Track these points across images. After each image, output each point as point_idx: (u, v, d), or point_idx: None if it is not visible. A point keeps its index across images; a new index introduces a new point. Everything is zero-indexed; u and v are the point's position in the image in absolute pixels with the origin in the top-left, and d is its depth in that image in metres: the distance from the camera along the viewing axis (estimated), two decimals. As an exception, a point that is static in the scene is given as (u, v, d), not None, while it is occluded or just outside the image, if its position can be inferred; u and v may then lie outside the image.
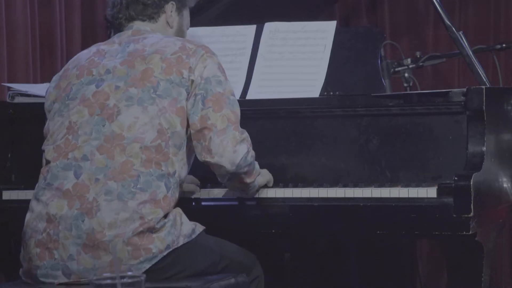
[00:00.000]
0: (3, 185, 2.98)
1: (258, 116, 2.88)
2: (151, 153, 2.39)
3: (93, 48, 2.60)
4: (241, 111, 2.87)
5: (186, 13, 2.74)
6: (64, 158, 2.42)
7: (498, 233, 2.79)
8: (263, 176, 2.69)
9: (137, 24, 2.61)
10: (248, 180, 2.57)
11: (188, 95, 2.45)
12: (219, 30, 3.08)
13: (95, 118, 2.43)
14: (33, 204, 2.45)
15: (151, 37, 2.54)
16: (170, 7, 2.66)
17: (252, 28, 3.04)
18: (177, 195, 2.46)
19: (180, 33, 2.70)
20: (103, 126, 2.41)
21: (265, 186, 2.72)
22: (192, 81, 2.46)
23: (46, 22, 3.68)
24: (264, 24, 3.04)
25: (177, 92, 2.44)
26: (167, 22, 2.66)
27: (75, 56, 2.63)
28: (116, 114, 2.42)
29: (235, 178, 2.54)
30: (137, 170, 2.38)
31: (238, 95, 2.96)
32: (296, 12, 3.49)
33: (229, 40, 3.05)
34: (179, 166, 2.45)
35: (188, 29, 2.77)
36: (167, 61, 2.46)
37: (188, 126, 2.46)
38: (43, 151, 2.51)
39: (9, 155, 3.06)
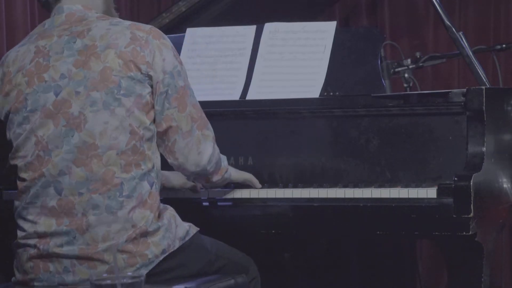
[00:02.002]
0: (3, 185, 2.97)
1: (258, 117, 2.88)
2: (129, 156, 2.34)
3: (31, 47, 2.41)
4: (242, 111, 2.88)
5: None
6: (41, 176, 2.34)
7: (498, 234, 2.79)
8: (240, 173, 2.68)
9: (66, 3, 2.44)
10: (214, 179, 2.55)
11: (151, 88, 2.38)
12: (219, 30, 3.07)
13: (62, 129, 2.33)
14: (20, 222, 2.40)
15: (96, 27, 2.39)
16: None
17: (252, 29, 3.04)
18: (159, 184, 2.42)
19: (108, 3, 2.52)
20: (72, 137, 2.32)
21: (249, 186, 2.72)
22: (151, 76, 2.37)
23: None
24: (264, 24, 3.04)
25: (140, 88, 2.36)
26: None
27: (10, 55, 2.44)
28: (84, 123, 2.32)
29: (200, 178, 2.53)
30: (119, 178, 2.32)
31: (238, 95, 2.96)
32: (296, 12, 3.49)
33: (229, 41, 3.05)
34: (155, 157, 2.41)
35: None
36: (122, 56, 2.35)
37: (154, 118, 2.40)
38: (10, 159, 2.42)
39: (9, 155, 3.05)
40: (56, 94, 2.35)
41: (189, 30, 3.11)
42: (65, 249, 2.32)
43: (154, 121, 2.40)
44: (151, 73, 2.37)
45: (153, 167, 2.39)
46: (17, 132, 2.38)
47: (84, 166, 2.32)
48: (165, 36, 2.44)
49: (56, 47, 2.39)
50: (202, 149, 2.43)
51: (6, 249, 2.81)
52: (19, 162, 2.39)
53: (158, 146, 2.43)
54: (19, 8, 3.54)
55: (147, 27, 2.43)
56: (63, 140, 2.33)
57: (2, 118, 2.44)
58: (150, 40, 2.39)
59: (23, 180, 2.39)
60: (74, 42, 2.38)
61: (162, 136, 2.42)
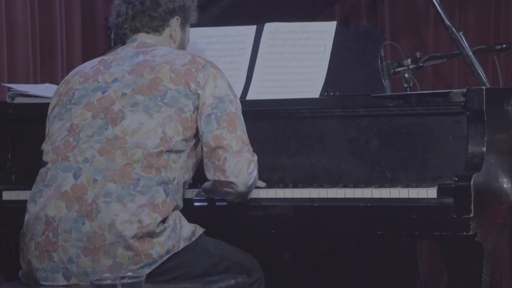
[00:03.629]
0: (3, 186, 2.98)
1: (258, 117, 2.88)
2: (153, 159, 2.39)
3: (98, 59, 2.60)
4: (242, 111, 2.88)
5: (188, 29, 2.77)
6: (64, 160, 2.41)
7: (498, 234, 2.79)
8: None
9: (142, 36, 2.62)
10: (249, 197, 2.61)
11: (194, 108, 2.46)
12: (219, 30, 3.08)
13: (98, 121, 2.43)
14: (30, 206, 2.44)
15: (160, 49, 2.56)
16: (175, 22, 2.69)
17: (252, 29, 3.04)
18: (178, 201, 2.46)
19: (182, 47, 2.72)
20: (106, 129, 2.41)
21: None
22: (198, 95, 2.46)
23: (46, 22, 3.68)
24: (264, 24, 3.04)
25: (183, 103, 2.44)
26: (171, 36, 2.68)
27: (80, 67, 2.63)
28: (120, 119, 2.42)
29: (241, 197, 2.57)
30: (137, 174, 2.38)
31: (238, 95, 2.95)
32: (296, 12, 3.49)
33: (229, 41, 3.05)
34: (179, 174, 2.44)
35: (188, 43, 2.79)
36: (176, 72, 2.47)
37: (193, 136, 2.46)
38: (43, 151, 2.51)
39: (9, 156, 3.06)
40: (103, 93, 2.47)
41: (189, 30, 3.11)
42: (74, 236, 2.35)
43: (189, 140, 2.45)
44: (199, 91, 2.46)
45: (173, 180, 2.42)
46: (56, 122, 2.49)
47: (107, 155, 2.39)
48: (223, 72, 2.55)
49: (119, 59, 2.54)
50: (251, 169, 2.48)
51: (6, 249, 2.82)
52: (47, 147, 2.47)
53: (207, 171, 2.47)
54: (19, 9, 3.55)
55: (208, 59, 2.57)
56: (96, 131, 2.42)
57: (48, 114, 2.56)
58: (208, 67, 2.51)
59: (45, 163, 2.46)
60: (137, 57, 2.53)
61: (212, 158, 2.45)
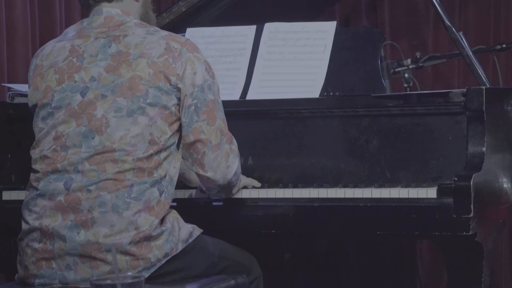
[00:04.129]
0: (3, 185, 2.98)
1: (258, 117, 2.88)
2: (143, 163, 2.36)
3: (67, 44, 2.46)
4: (242, 111, 2.88)
5: None
6: (54, 170, 2.38)
7: (498, 234, 2.79)
8: (243, 180, 2.70)
9: (106, 7, 2.47)
10: (234, 191, 2.62)
11: (177, 100, 2.41)
12: (219, 30, 3.07)
13: (83, 129, 2.37)
14: (25, 214, 2.41)
15: (132, 34, 2.43)
16: None
17: (252, 29, 3.04)
18: (171, 193, 2.44)
19: (147, 3, 2.58)
20: (93, 138, 2.36)
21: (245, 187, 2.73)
22: (179, 88, 2.40)
23: (46, 22, 3.68)
24: (264, 24, 3.04)
25: (166, 100, 2.39)
26: None
27: (48, 48, 2.48)
28: (105, 126, 2.36)
29: (224, 190, 2.57)
30: (130, 180, 2.35)
31: (238, 95, 2.96)
32: (296, 12, 3.49)
33: (229, 41, 3.05)
34: (169, 166, 2.42)
35: None
36: (154, 66, 2.39)
37: (180, 126, 2.43)
38: (30, 151, 2.46)
39: (9, 156, 3.06)
40: (83, 95, 2.39)
41: (189, 30, 3.11)
42: (69, 245, 2.33)
43: (177, 131, 2.42)
44: (180, 85, 2.40)
45: (165, 175, 2.40)
46: (40, 127, 2.43)
47: (97, 165, 2.35)
48: (199, 50, 2.48)
49: (91, 49, 2.43)
50: (230, 162, 2.47)
51: (6, 249, 2.82)
52: (35, 155, 2.43)
53: (185, 159, 2.46)
54: (19, 8, 3.54)
55: (183, 39, 2.47)
56: (82, 140, 2.37)
57: (30, 108, 2.49)
58: (184, 53, 2.42)
59: (36, 172, 2.42)
60: (109, 47, 2.42)
61: (190, 149, 2.44)
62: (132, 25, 2.46)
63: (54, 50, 2.47)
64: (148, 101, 2.37)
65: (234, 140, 2.52)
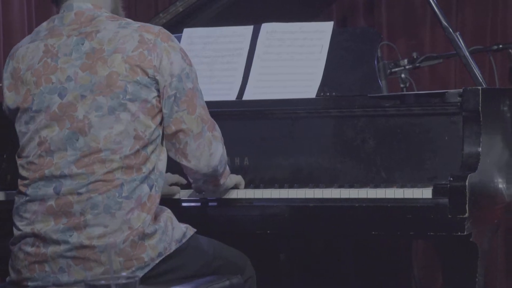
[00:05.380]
0: (1, 185, 2.98)
1: (254, 117, 2.89)
2: (131, 160, 2.35)
3: (40, 44, 2.41)
4: (238, 111, 2.89)
5: None
6: (42, 176, 2.35)
7: (493, 234, 2.79)
8: (232, 177, 2.69)
9: (76, 2, 2.43)
10: (222, 181, 2.59)
11: (158, 92, 2.39)
12: (216, 30, 3.08)
13: (66, 132, 2.34)
14: (16, 220, 2.40)
15: (104, 29, 2.39)
16: None
17: (249, 29, 3.04)
18: (161, 185, 2.42)
19: None
20: (77, 140, 2.34)
21: (235, 187, 2.72)
22: (158, 80, 2.38)
23: (43, 22, 3.67)
24: (261, 24, 3.04)
25: (146, 93, 2.36)
26: None
27: (22, 49, 2.44)
28: (88, 127, 2.34)
29: (210, 181, 2.55)
30: (120, 179, 2.33)
31: (234, 95, 2.96)
32: (293, 12, 3.49)
33: (227, 41, 3.05)
34: (157, 159, 2.40)
35: None
36: (129, 61, 2.35)
37: (161, 121, 2.41)
38: (17, 157, 2.44)
39: (5, 156, 3.07)
40: (62, 97, 2.37)
41: (186, 31, 3.11)
42: (62, 248, 2.33)
43: (160, 124, 2.41)
44: (158, 77, 2.38)
45: (153, 169, 2.39)
46: (23, 132, 2.41)
47: (85, 168, 2.33)
48: (174, 38, 2.45)
49: (64, 48, 2.40)
50: (213, 150, 2.46)
51: (5, 250, 2.82)
52: (22, 161, 2.41)
53: (168, 150, 2.45)
54: (16, 9, 3.55)
55: (156, 28, 2.43)
56: (67, 143, 2.34)
57: (10, 110, 2.45)
58: (158, 43, 2.39)
59: (24, 178, 2.40)
60: (83, 44, 2.39)
61: (172, 139, 2.43)
62: (103, 19, 2.42)
63: (29, 51, 2.43)
64: (127, 97, 2.35)
65: (217, 126, 2.50)
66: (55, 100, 2.37)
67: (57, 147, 2.35)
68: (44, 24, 2.49)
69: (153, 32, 2.41)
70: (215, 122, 2.50)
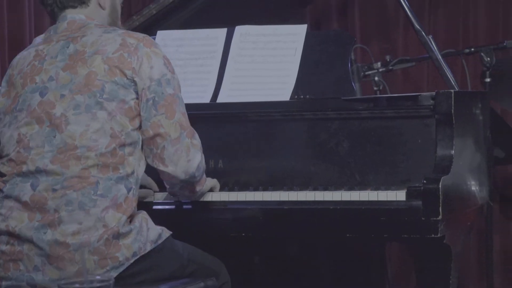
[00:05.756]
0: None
1: (228, 120, 2.88)
2: (107, 159, 2.35)
3: (32, 50, 2.48)
4: (212, 114, 2.88)
5: None
6: (19, 172, 2.37)
7: (466, 236, 2.81)
8: (208, 181, 2.69)
9: (70, 13, 2.50)
10: (198, 188, 2.59)
11: (136, 95, 2.40)
12: (190, 33, 3.07)
13: (46, 129, 2.37)
14: None
15: (91, 34, 2.44)
16: None
17: (223, 32, 3.04)
18: (137, 193, 2.44)
19: (114, 12, 2.58)
20: (54, 137, 2.36)
21: (210, 190, 2.72)
22: (136, 82, 2.39)
23: (15, 25, 3.66)
24: (235, 27, 3.04)
25: (124, 94, 2.38)
26: (99, 4, 2.54)
27: (17, 58, 2.52)
28: (65, 124, 2.36)
29: (186, 187, 2.55)
30: (95, 177, 2.34)
31: (208, 98, 2.96)
32: (267, 15, 3.50)
33: (200, 43, 3.05)
34: (136, 164, 2.41)
35: (122, 6, 2.64)
36: (109, 62, 2.38)
37: (139, 125, 2.42)
38: None
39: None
40: (42, 96, 2.40)
41: (159, 33, 3.11)
42: (37, 246, 2.32)
43: (139, 128, 2.41)
44: (136, 79, 2.39)
45: (132, 172, 2.40)
46: (4, 132, 2.43)
47: (60, 164, 2.34)
48: (158, 45, 2.47)
49: (52, 51, 2.44)
50: (191, 157, 2.45)
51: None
52: (3, 160, 2.43)
53: (146, 156, 2.45)
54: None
55: (141, 35, 2.46)
56: (45, 140, 2.36)
57: (2, 115, 2.48)
58: (140, 48, 2.42)
59: (3, 175, 2.41)
60: (68, 47, 2.43)
61: (150, 145, 2.43)
62: (92, 26, 2.48)
63: (21, 58, 2.50)
64: (104, 96, 2.37)
65: (196, 135, 2.50)
66: (36, 98, 2.40)
67: (36, 144, 2.37)
68: (41, 35, 2.55)
69: (137, 37, 2.44)
70: (195, 131, 2.50)
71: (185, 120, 2.46)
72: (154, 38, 3.08)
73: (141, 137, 2.42)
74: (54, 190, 2.33)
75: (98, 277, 1.71)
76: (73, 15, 2.50)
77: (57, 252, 2.32)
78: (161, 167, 2.44)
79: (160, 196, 2.75)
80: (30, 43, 3.61)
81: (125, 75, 2.38)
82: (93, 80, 2.37)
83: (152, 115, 2.40)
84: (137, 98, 2.40)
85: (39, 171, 2.35)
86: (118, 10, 2.61)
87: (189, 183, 2.52)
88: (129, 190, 2.38)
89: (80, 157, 2.34)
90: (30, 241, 2.33)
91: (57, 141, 2.35)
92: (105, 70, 2.38)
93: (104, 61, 2.38)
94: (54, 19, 2.55)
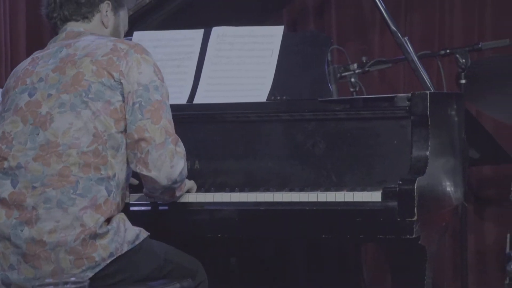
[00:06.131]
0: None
1: (205, 121, 2.88)
2: (89, 158, 2.35)
3: (29, 58, 2.54)
4: (189, 115, 2.88)
5: (123, 13, 2.66)
6: (0, 168, 2.38)
7: (441, 237, 2.83)
8: (186, 183, 2.68)
9: (71, 26, 2.54)
10: (178, 193, 2.60)
11: (122, 97, 2.41)
12: (167, 34, 3.07)
13: (29, 127, 2.38)
14: None
15: (84, 40, 2.48)
16: (106, 7, 2.58)
17: (199, 33, 3.04)
18: (119, 198, 2.43)
19: (116, 33, 2.62)
20: (37, 134, 2.37)
21: (187, 191, 2.71)
22: (123, 85, 2.40)
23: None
24: (211, 28, 3.04)
25: (109, 95, 2.39)
26: (102, 22, 2.58)
27: (16, 68, 2.56)
28: (49, 122, 2.37)
29: (167, 192, 2.54)
30: (76, 176, 2.34)
31: (185, 99, 2.96)
32: (244, 16, 3.50)
33: (177, 44, 3.04)
34: (119, 168, 2.41)
35: (125, 30, 2.70)
36: (97, 63, 2.40)
37: (124, 129, 2.42)
38: None
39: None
40: (31, 96, 2.42)
41: (136, 34, 3.10)
42: (13, 244, 2.32)
43: (124, 131, 2.41)
44: (123, 81, 2.41)
45: (114, 176, 2.40)
46: None
47: (42, 161, 2.35)
48: (149, 53, 2.49)
49: (45, 56, 2.48)
50: (175, 163, 2.44)
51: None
52: None
53: (130, 162, 2.44)
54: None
55: (133, 42, 2.50)
56: (28, 138, 2.38)
57: None
58: (131, 53, 2.44)
59: None
60: (61, 52, 2.47)
61: (134, 149, 2.42)
62: (88, 34, 2.52)
63: (19, 67, 2.54)
64: (90, 96, 2.38)
65: (181, 143, 2.51)
66: (24, 98, 2.42)
67: (19, 141, 2.38)
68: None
69: (128, 44, 2.48)
70: (179, 139, 2.50)
71: (171, 127, 2.46)
72: (131, 39, 3.07)
73: (125, 141, 2.42)
74: (34, 188, 2.34)
75: (73, 279, 1.70)
76: (72, 27, 2.54)
77: (33, 251, 2.31)
78: (144, 172, 2.43)
79: (134, 197, 2.75)
80: (6, 50, 3.65)
81: (113, 76, 2.40)
82: (80, 80, 2.39)
83: (138, 119, 2.40)
84: (123, 101, 2.41)
85: (19, 167, 2.35)
86: (120, 33, 2.65)
87: (171, 189, 2.52)
88: (109, 193, 2.38)
89: (61, 155, 2.35)
90: (7, 238, 2.33)
91: (40, 139, 2.36)
92: (92, 71, 2.40)
93: (92, 62, 2.41)
94: (56, 32, 2.58)
